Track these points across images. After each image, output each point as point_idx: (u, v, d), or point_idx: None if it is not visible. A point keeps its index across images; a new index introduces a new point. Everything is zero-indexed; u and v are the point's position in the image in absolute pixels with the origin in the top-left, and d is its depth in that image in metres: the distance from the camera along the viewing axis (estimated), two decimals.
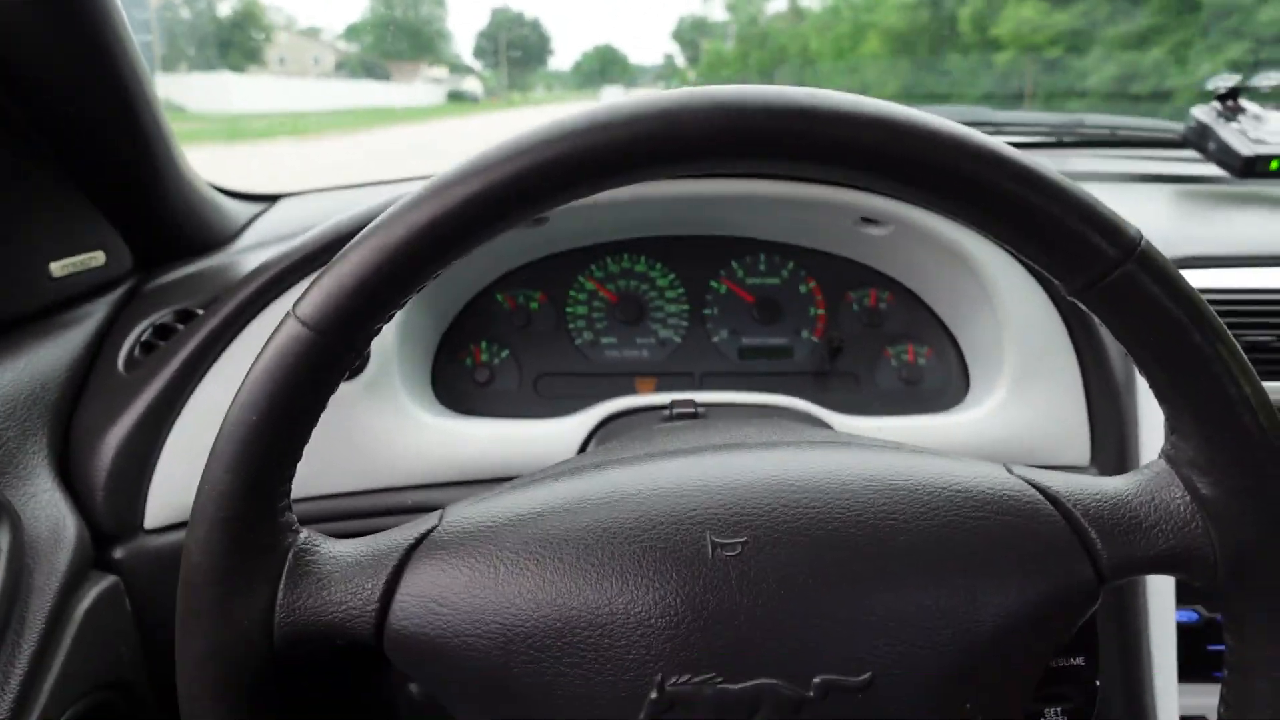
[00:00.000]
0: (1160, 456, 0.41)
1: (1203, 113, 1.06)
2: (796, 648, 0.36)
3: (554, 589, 0.37)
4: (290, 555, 0.38)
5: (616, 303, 0.93)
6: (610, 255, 0.94)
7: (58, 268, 0.73)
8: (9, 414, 0.64)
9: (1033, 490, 0.40)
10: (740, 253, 0.93)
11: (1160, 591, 0.71)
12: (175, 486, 0.70)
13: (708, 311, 0.93)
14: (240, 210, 0.99)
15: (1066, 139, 1.24)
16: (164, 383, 0.70)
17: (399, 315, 0.78)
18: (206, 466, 0.37)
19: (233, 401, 0.36)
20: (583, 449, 0.77)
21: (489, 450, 0.76)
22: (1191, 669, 0.70)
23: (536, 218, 0.81)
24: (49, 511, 0.63)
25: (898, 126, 0.34)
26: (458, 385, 0.89)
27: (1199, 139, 1.06)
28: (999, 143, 0.35)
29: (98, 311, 0.77)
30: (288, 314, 0.36)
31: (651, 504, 0.40)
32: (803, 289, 0.93)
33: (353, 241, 0.36)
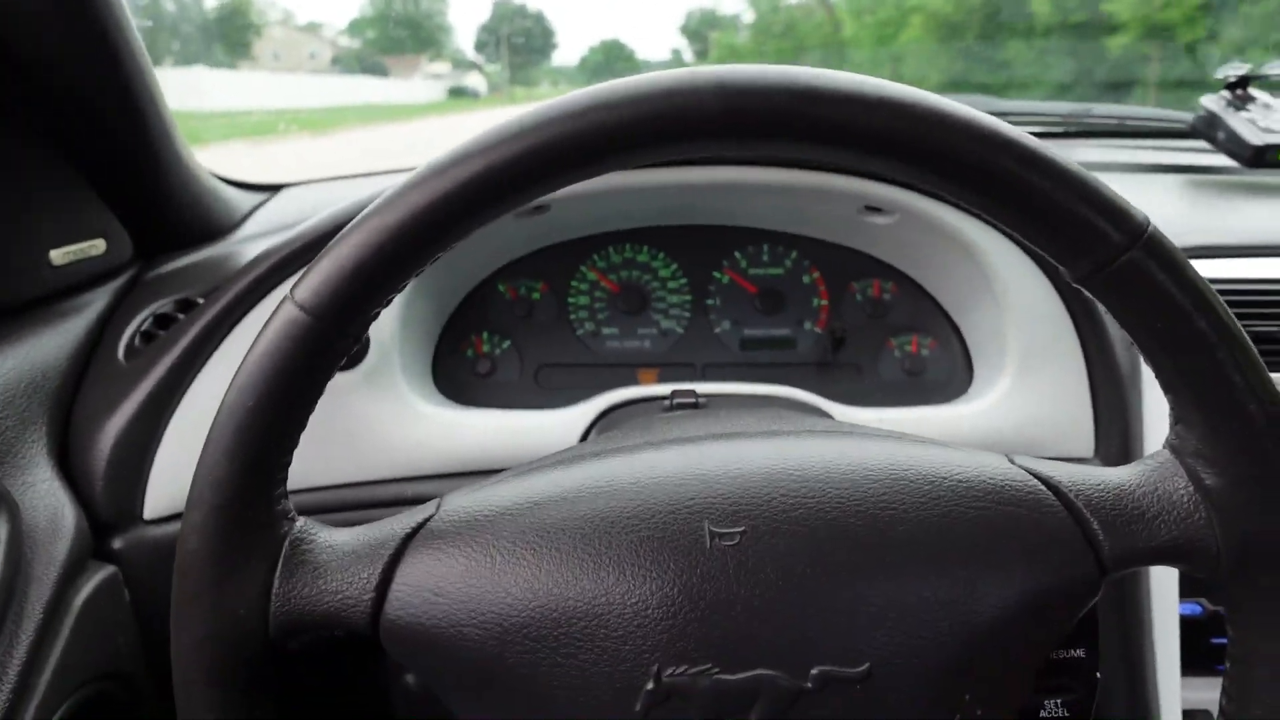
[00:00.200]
0: (1164, 446, 0.40)
1: (1212, 102, 1.05)
2: (794, 638, 0.36)
3: (550, 579, 0.37)
4: (286, 543, 0.38)
5: (618, 293, 0.92)
6: (612, 245, 0.93)
7: (58, 255, 0.73)
8: (8, 402, 0.63)
9: (1034, 480, 0.40)
10: (743, 242, 0.93)
11: (1164, 584, 0.70)
12: (175, 476, 0.70)
13: (710, 302, 0.92)
14: (242, 199, 0.99)
15: (1074, 129, 1.23)
16: (164, 372, 0.70)
17: (399, 305, 0.78)
18: (203, 452, 0.37)
19: (229, 386, 0.36)
20: (583, 440, 0.76)
21: (489, 441, 0.76)
22: (1194, 662, 0.69)
23: (537, 205, 0.80)
24: (48, 501, 0.63)
25: (903, 107, 0.33)
26: (458, 376, 0.89)
27: (1208, 128, 1.04)
28: (1006, 125, 0.34)
29: (98, 300, 0.77)
30: (284, 298, 0.36)
31: (649, 493, 0.39)
32: (806, 279, 0.92)
33: (350, 225, 0.35)
